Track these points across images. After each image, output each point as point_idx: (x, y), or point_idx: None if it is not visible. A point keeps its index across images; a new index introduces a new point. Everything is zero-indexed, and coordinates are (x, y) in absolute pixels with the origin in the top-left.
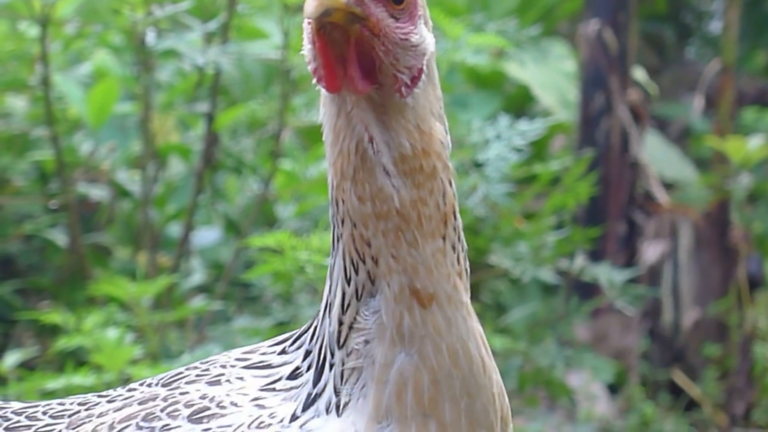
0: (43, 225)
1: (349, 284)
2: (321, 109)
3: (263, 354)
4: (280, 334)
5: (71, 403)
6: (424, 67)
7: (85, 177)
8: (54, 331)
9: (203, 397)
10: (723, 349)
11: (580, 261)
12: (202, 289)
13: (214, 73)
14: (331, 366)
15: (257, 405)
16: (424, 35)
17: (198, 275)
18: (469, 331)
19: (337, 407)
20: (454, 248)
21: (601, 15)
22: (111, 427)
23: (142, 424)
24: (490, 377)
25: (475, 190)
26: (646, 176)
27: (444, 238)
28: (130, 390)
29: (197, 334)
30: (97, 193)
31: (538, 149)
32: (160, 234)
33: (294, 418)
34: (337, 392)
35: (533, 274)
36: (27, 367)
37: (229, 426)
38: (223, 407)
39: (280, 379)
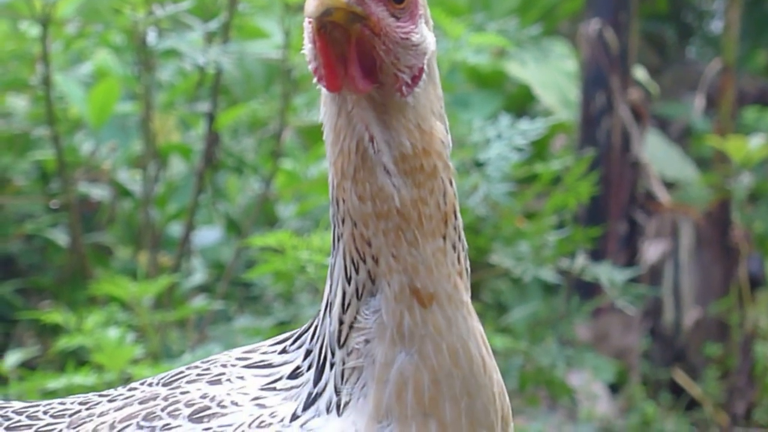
0: (44, 225)
1: (349, 283)
2: (322, 108)
3: (264, 353)
4: (280, 334)
5: (72, 403)
6: (425, 67)
7: (86, 177)
8: (55, 330)
9: (204, 397)
10: (724, 348)
11: (581, 260)
12: (203, 288)
13: (215, 73)
14: (332, 365)
15: (258, 404)
16: (425, 34)
17: (199, 275)
18: (470, 331)
19: (338, 406)
20: (454, 247)
21: (602, 14)
22: (112, 426)
23: (142, 423)
24: (490, 376)
25: (476, 190)
26: (647, 176)
27: (444, 238)
28: (130, 389)
29: (198, 334)
30: (98, 192)
31: (539, 149)
32: (161, 234)
33: (294, 417)
34: (337, 392)
35: (534, 274)
36: (28, 366)
37: (230, 425)
38: (224, 406)
39: (280, 379)
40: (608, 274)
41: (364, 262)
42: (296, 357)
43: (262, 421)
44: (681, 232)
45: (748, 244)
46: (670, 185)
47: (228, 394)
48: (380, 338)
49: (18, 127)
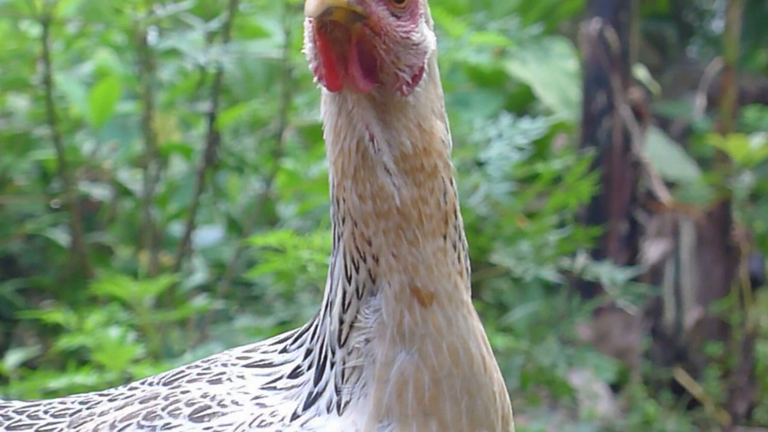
0: (44, 224)
1: (349, 283)
2: (322, 107)
3: (264, 353)
4: (281, 333)
5: (72, 402)
6: (426, 66)
7: (87, 176)
8: (56, 330)
9: (204, 396)
10: (725, 347)
11: (582, 260)
12: (204, 288)
13: (215, 72)
14: (332, 365)
15: (258, 404)
16: (425, 34)
17: (200, 274)
18: (470, 330)
19: (338, 406)
20: (455, 247)
21: (603, 14)
22: (112, 425)
23: (143, 422)
24: (491, 376)
25: (477, 189)
26: (647, 175)
27: (445, 237)
28: (131, 389)
29: (199, 334)
30: (99, 192)
31: (540, 148)
32: (161, 233)
33: (295, 416)
34: (338, 391)
35: (535, 273)
36: (29, 366)
37: (230, 425)
38: (224, 406)
39: (281, 378)
40: (609, 273)
41: (365, 261)
42: (297, 356)
43: (263, 421)
44: (682, 232)
45: (749, 244)
46: (671, 185)
47: (228, 394)
48: (380, 337)
49: (19, 127)
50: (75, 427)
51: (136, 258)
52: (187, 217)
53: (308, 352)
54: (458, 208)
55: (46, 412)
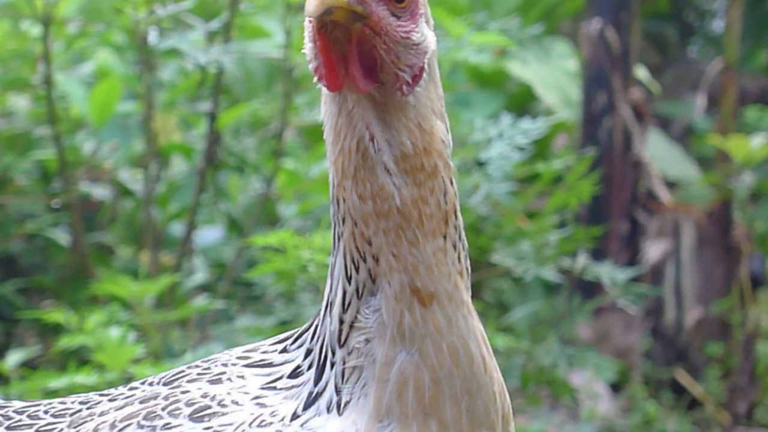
0: (45, 224)
1: (349, 283)
2: (322, 107)
3: (264, 353)
4: (281, 333)
5: (73, 402)
6: (426, 66)
7: (88, 176)
8: (56, 330)
9: (204, 396)
10: (725, 347)
11: (582, 260)
12: (205, 288)
13: (216, 72)
14: (332, 365)
15: (258, 403)
16: (426, 33)
17: (200, 274)
18: (470, 330)
19: (338, 406)
20: (455, 247)
21: (604, 14)
22: (112, 425)
23: (143, 422)
24: (491, 376)
25: (478, 189)
26: (648, 175)
27: (445, 237)
28: (131, 389)
29: (200, 333)
30: (100, 192)
31: (541, 148)
32: (162, 233)
33: (295, 416)
34: (338, 391)
35: (536, 273)
36: (29, 366)
37: (230, 424)
38: (224, 406)
39: (281, 378)
40: (610, 273)
41: (365, 261)
42: (297, 356)
43: (263, 421)
44: (682, 232)
45: (750, 244)
46: (671, 184)
47: (228, 394)
48: (381, 337)
49: (19, 127)
50: (75, 427)
51: (136, 258)
52: (187, 217)
53: (308, 352)
54: (458, 208)
55: (46, 412)
